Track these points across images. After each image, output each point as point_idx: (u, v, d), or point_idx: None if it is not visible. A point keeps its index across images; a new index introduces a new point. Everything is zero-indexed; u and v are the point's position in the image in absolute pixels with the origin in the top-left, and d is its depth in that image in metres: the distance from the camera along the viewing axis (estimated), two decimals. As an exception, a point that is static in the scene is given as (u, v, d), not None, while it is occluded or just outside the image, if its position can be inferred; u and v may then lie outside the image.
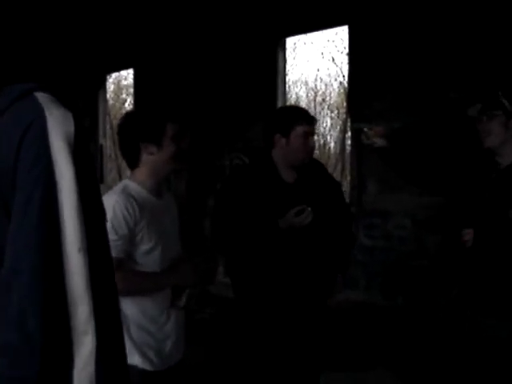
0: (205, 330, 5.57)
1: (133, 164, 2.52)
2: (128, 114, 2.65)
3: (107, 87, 10.69)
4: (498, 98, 2.85)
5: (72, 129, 1.07)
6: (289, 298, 3.04)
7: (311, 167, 3.17)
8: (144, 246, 2.38)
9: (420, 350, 4.82)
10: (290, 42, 14.74)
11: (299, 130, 3.03)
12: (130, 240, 2.35)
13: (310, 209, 2.94)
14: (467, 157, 3.21)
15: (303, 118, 3.08)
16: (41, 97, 1.10)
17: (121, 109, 18.44)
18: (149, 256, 2.40)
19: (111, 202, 2.31)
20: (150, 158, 2.45)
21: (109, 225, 2.25)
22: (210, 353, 5.03)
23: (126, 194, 2.41)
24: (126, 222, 2.32)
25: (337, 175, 10.05)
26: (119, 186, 2.51)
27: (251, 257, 3.05)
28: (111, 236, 2.24)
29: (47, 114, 1.06)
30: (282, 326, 3.06)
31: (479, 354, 2.88)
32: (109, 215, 2.26)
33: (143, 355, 2.36)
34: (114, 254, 2.25)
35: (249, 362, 3.18)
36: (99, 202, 1.14)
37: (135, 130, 2.45)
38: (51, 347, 1.00)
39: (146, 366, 2.38)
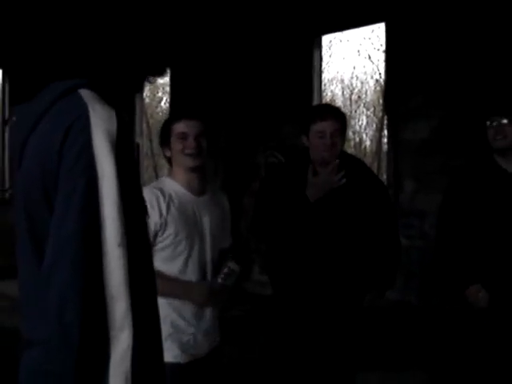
0: (239, 328, 5.59)
1: (169, 163, 2.64)
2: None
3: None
4: None
5: (114, 126, 1.08)
6: (324, 295, 3.03)
7: (355, 167, 3.11)
8: (168, 240, 2.41)
9: (454, 351, 4.75)
10: (326, 39, 14.66)
11: (314, 128, 2.99)
12: (153, 234, 2.38)
13: (337, 161, 2.93)
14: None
15: (317, 116, 3.01)
16: (85, 94, 1.11)
17: (157, 107, 18.61)
18: (173, 250, 2.42)
19: None
20: (172, 159, 2.58)
21: None
22: (244, 350, 5.04)
23: (157, 189, 2.47)
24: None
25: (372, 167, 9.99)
26: (154, 183, 2.63)
27: (289, 252, 3.04)
28: None
29: (90, 111, 1.07)
30: (317, 324, 3.04)
31: None
32: None
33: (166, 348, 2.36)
34: None
35: (283, 360, 3.18)
36: (140, 200, 1.15)
37: (161, 134, 2.62)
38: (88, 342, 1.01)
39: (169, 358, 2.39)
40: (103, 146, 1.05)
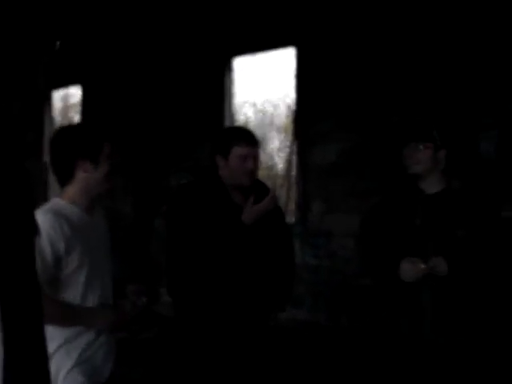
0: (148, 350, 5.50)
1: (64, 181, 2.42)
2: (63, 128, 2.53)
3: (54, 104, 10.51)
4: (431, 132, 2.99)
5: None
6: (231, 316, 3.02)
7: (257, 189, 3.13)
8: (72, 266, 2.30)
9: (363, 369, 4.86)
10: (238, 62, 14.81)
11: (237, 151, 2.97)
12: (56, 261, 2.25)
13: (274, 194, 2.97)
14: (395, 181, 3.27)
15: (242, 139, 2.99)
16: None
17: (68, 127, 18.20)
18: (74, 276, 2.32)
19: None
20: (83, 175, 2.37)
21: None
22: (152, 372, 4.95)
23: (55, 212, 2.31)
24: (51, 244, 2.23)
25: (283, 195, 10.11)
26: (48, 205, 2.39)
27: (199, 273, 3.01)
28: None
29: None
30: (223, 345, 3.03)
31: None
32: None
33: (65, 378, 2.30)
34: None
35: (191, 381, 3.14)
36: (22, 215, 1.11)
37: (72, 146, 2.37)
38: None
39: None
40: None
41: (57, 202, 2.41)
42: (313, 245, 6.36)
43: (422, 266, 2.81)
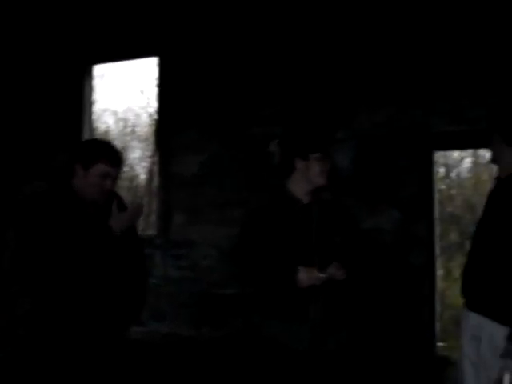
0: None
1: None
2: None
3: None
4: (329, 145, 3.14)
5: None
6: (84, 329, 2.96)
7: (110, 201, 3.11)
8: None
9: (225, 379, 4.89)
10: (99, 70, 14.47)
11: (99, 168, 2.99)
12: None
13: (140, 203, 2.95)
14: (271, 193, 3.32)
15: (107, 158, 3.01)
16: None
17: None
18: None
19: None
20: None
21: None
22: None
23: None
24: None
25: (145, 206, 10.01)
26: None
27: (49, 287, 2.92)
28: None
29: None
30: (76, 358, 2.95)
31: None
32: None
33: None
34: None
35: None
36: None
37: None
38: None
39: None
40: None
41: None
42: (175, 256, 6.32)
43: (320, 274, 2.88)
